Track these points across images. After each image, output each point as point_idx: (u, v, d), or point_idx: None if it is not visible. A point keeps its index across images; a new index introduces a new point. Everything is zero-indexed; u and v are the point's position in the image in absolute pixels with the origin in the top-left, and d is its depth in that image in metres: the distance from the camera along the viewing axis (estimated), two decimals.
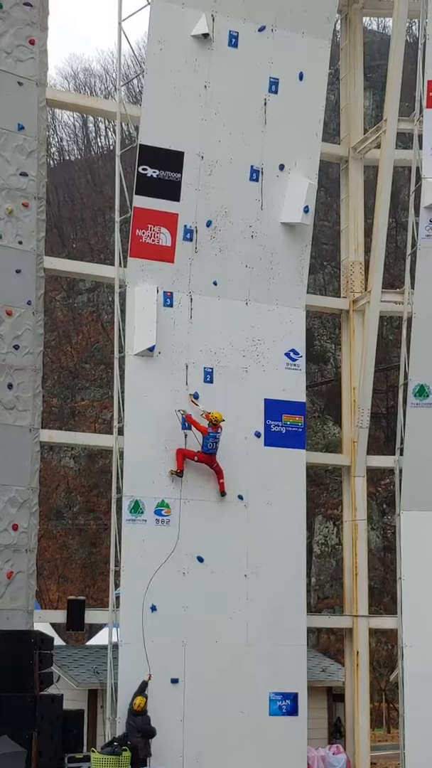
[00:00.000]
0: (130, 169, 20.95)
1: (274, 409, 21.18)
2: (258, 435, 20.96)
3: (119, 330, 20.47)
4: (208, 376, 20.62)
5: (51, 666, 17.73)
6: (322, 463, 27.75)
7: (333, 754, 22.33)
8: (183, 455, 19.88)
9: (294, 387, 21.51)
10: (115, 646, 19.44)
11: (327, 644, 39.55)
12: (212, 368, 20.73)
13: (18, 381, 19.62)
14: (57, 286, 51.85)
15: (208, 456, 19.94)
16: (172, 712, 19.11)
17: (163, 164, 20.35)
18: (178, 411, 19.96)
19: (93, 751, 17.95)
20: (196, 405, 20.06)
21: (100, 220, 55.41)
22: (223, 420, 19.85)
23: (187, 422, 19.91)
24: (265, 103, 21.14)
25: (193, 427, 19.91)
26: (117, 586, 19.74)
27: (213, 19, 20.49)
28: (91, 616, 21.21)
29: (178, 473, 19.88)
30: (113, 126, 25.30)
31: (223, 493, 20.25)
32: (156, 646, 19.22)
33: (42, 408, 20.35)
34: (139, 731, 18.05)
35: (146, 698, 18.32)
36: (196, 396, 20.18)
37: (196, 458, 19.94)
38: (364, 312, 23.46)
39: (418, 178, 22.19)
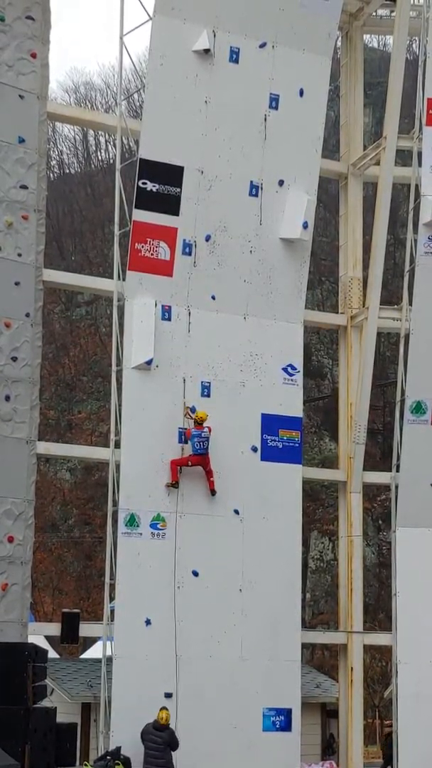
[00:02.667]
0: (129, 182, 21.02)
1: (270, 423, 21.19)
2: (254, 450, 20.97)
3: (117, 343, 20.49)
4: (206, 390, 20.64)
5: (45, 679, 17.67)
6: (318, 478, 27.76)
7: None
8: (177, 465, 19.89)
9: (291, 402, 21.53)
10: (109, 660, 19.41)
11: (321, 660, 39.47)
12: (210, 382, 20.75)
13: (15, 393, 19.62)
14: (55, 299, 51.92)
15: (200, 457, 19.90)
16: None
17: (162, 178, 20.41)
18: (187, 408, 19.99)
19: (86, 765, 17.93)
20: (191, 418, 20.05)
21: (99, 233, 55.53)
22: (208, 416, 19.84)
23: (185, 435, 19.91)
24: (266, 119, 21.22)
25: (171, 422, 19.91)
26: (112, 599, 19.72)
27: (214, 35, 20.58)
28: (86, 629, 21.18)
29: (174, 484, 19.88)
30: (113, 140, 25.40)
31: (213, 492, 20.21)
32: (150, 660, 19.19)
33: (39, 420, 20.34)
34: (169, 745, 17.98)
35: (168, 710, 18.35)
36: (193, 410, 20.18)
37: (189, 462, 19.93)
38: (362, 328, 23.49)
39: (417, 195, 22.25)
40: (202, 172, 20.72)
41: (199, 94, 20.60)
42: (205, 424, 19.87)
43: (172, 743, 18.05)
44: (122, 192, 20.87)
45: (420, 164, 22.29)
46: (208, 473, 20.14)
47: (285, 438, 21.34)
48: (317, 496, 43.81)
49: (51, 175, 58.18)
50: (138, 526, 19.65)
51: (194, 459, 19.93)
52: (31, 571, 19.71)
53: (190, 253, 20.71)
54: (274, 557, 20.65)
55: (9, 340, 19.64)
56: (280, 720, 20.16)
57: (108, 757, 17.87)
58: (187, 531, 19.87)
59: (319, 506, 44.52)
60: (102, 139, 61.71)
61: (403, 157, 24.24)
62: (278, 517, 20.88)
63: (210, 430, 19.90)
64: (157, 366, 20.21)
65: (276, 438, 21.23)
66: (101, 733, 19.53)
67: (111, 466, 20.28)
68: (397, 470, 22.15)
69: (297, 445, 21.48)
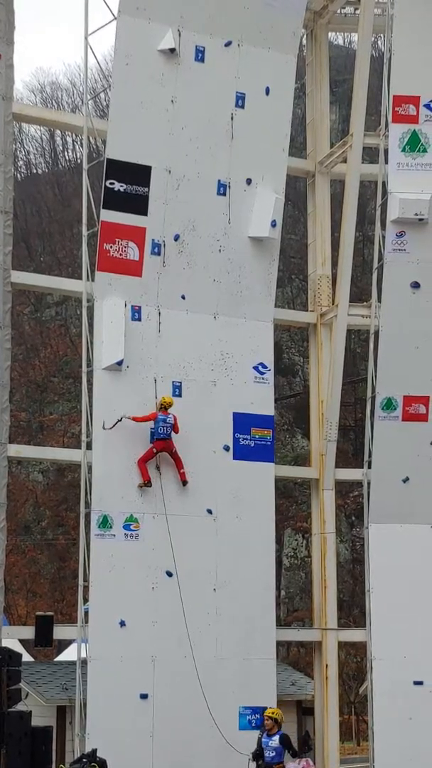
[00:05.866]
0: (97, 182, 20.96)
1: (242, 422, 21.21)
2: (227, 449, 20.97)
3: (87, 344, 20.44)
4: (177, 390, 20.62)
5: (19, 682, 17.58)
6: (290, 476, 27.83)
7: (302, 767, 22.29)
8: (144, 462, 19.85)
9: (262, 400, 21.55)
10: (84, 662, 19.35)
11: (297, 657, 39.53)
12: (181, 382, 20.73)
13: None
14: (25, 300, 51.67)
15: (163, 442, 19.87)
16: (141, 727, 19.05)
17: (130, 178, 20.37)
18: (124, 418, 19.75)
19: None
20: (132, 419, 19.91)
21: (68, 233, 55.32)
22: (171, 405, 19.88)
23: (136, 421, 19.74)
24: (232, 118, 21.22)
25: (144, 423, 19.81)
26: (86, 601, 19.66)
27: (179, 34, 20.56)
28: (60, 631, 21.13)
29: (146, 484, 19.85)
30: (80, 140, 25.30)
31: (184, 483, 20.17)
32: (125, 662, 19.15)
33: (10, 423, 20.26)
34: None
35: None
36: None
37: (155, 450, 19.88)
38: (332, 325, 23.55)
39: (384, 193, 22.30)
40: (170, 172, 20.69)
41: (166, 93, 20.57)
42: (180, 425, 19.93)
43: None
44: (90, 192, 20.80)
45: (387, 161, 22.34)
46: (177, 461, 20.09)
47: (257, 436, 21.36)
48: (290, 493, 43.88)
49: (18, 175, 57.93)
50: (111, 527, 19.62)
51: (158, 445, 19.89)
52: (4, 574, 19.64)
53: (159, 253, 20.68)
54: (248, 556, 20.66)
55: None
56: (256, 718, 20.11)
57: (84, 760, 17.76)
58: (160, 531, 19.84)
59: (292, 503, 44.58)
60: (69, 139, 61.51)
61: (370, 155, 24.30)
62: (251, 515, 20.89)
63: (176, 419, 19.88)
64: (127, 366, 20.17)
65: (248, 436, 21.25)
66: (77, 735, 19.49)
67: (83, 468, 20.24)
68: (369, 467, 22.22)
69: (269, 443, 21.51)
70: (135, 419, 19.77)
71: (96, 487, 19.69)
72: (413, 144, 22.08)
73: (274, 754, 16.60)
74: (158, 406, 19.95)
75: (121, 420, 19.70)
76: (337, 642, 22.92)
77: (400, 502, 21.79)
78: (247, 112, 21.31)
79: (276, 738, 16.63)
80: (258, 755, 17.65)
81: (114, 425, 19.68)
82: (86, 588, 19.53)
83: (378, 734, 21.09)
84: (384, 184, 22.34)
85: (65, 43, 78.34)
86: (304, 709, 26.37)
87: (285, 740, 16.72)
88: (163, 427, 19.82)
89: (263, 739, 16.75)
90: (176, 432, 19.97)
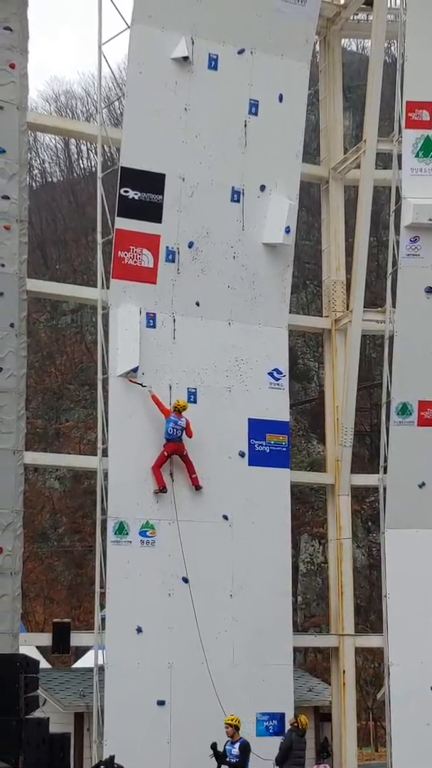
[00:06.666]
0: (112, 190, 21.04)
1: (257, 428, 21.22)
2: (242, 455, 21.00)
3: (102, 351, 20.50)
4: (192, 397, 20.65)
5: (37, 689, 17.61)
6: (306, 481, 27.79)
7: None
8: (158, 468, 19.89)
9: (277, 406, 21.57)
10: (101, 669, 19.39)
11: (314, 663, 39.47)
12: (196, 389, 20.77)
13: (1, 404, 19.58)
14: (41, 307, 51.85)
15: (174, 444, 19.91)
16: (159, 734, 19.06)
17: (144, 186, 20.44)
18: (146, 387, 19.91)
19: None
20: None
21: (82, 241, 55.46)
22: (185, 408, 19.94)
23: (153, 400, 19.86)
24: (245, 125, 21.28)
25: (156, 409, 19.91)
26: (102, 607, 19.70)
27: (192, 42, 20.63)
28: (77, 638, 21.15)
29: (162, 490, 19.89)
30: (95, 148, 25.38)
31: (197, 487, 20.20)
32: (142, 668, 19.18)
33: (26, 430, 20.33)
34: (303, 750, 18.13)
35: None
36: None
37: (166, 453, 19.92)
38: (346, 331, 23.55)
39: (398, 198, 22.33)
40: (184, 179, 20.75)
41: (179, 101, 20.64)
42: (195, 432, 19.99)
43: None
44: (104, 200, 20.89)
45: (400, 167, 22.36)
46: (188, 465, 20.12)
47: (272, 442, 21.37)
48: (306, 499, 43.81)
49: (33, 184, 58.16)
50: (127, 534, 19.66)
51: (169, 447, 19.92)
52: (21, 581, 19.68)
53: (173, 260, 20.74)
54: (264, 562, 20.66)
55: None
56: (273, 725, 20.16)
57: (102, 767, 17.82)
58: (176, 538, 19.86)
59: (308, 509, 44.52)
60: (84, 148, 61.70)
61: (384, 160, 24.36)
62: (267, 521, 20.90)
63: (188, 423, 19.92)
64: (143, 373, 20.21)
65: (263, 442, 21.27)
66: (95, 742, 19.51)
67: (99, 475, 20.27)
68: (385, 472, 22.21)
69: (284, 449, 21.52)
70: (154, 397, 19.82)
71: (112, 494, 19.74)
72: (427, 149, 22.10)
73: (236, 760, 16.74)
74: (173, 408, 19.99)
75: (143, 386, 19.78)
76: (354, 648, 22.90)
77: (417, 508, 21.77)
78: (261, 119, 21.36)
79: (237, 745, 16.70)
80: (281, 761, 17.73)
81: (136, 382, 19.78)
82: (103, 594, 19.57)
83: (396, 740, 21.06)
84: (398, 190, 22.36)
85: (79, 52, 78.60)
86: (322, 715, 26.36)
87: (243, 748, 16.76)
88: (173, 428, 19.86)
89: (227, 746, 16.83)
90: (189, 436, 20.01)
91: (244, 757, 16.85)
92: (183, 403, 20.07)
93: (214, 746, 16.69)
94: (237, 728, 16.90)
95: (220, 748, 16.98)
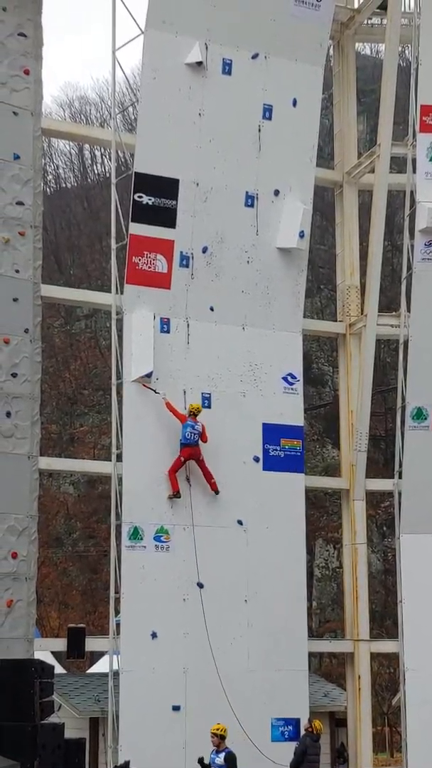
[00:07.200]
0: (126, 196, 21.07)
1: (272, 433, 21.20)
2: (256, 460, 20.98)
3: (117, 356, 20.52)
4: (206, 402, 20.65)
5: (52, 695, 17.63)
6: (321, 486, 27.77)
7: None
8: (173, 472, 19.88)
9: (292, 411, 21.55)
10: (116, 674, 19.39)
11: (329, 668, 39.39)
12: (210, 393, 20.77)
13: (16, 409, 19.62)
14: (55, 313, 51.95)
15: (190, 449, 19.87)
16: (174, 739, 19.04)
17: (158, 191, 20.46)
18: (160, 393, 19.90)
19: None
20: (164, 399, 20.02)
21: (97, 246, 55.59)
22: (200, 411, 19.94)
23: (167, 407, 19.85)
24: (260, 130, 21.29)
25: (172, 415, 19.87)
26: (117, 613, 19.70)
27: (206, 47, 20.65)
28: (92, 643, 21.17)
29: (176, 495, 19.88)
30: (109, 154, 25.45)
31: (216, 492, 20.17)
32: (157, 673, 19.16)
33: (40, 435, 20.35)
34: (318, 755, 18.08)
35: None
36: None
37: (182, 459, 19.91)
38: (361, 335, 23.52)
39: (413, 202, 22.30)
40: (198, 184, 20.77)
41: (193, 106, 20.66)
42: (209, 436, 19.98)
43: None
44: (118, 206, 20.91)
45: (414, 171, 22.35)
46: (205, 471, 20.10)
47: (287, 447, 21.35)
48: (321, 503, 43.76)
49: (47, 189, 58.28)
50: (142, 539, 19.66)
51: (185, 452, 19.90)
52: (36, 586, 19.70)
53: (187, 265, 20.75)
54: (279, 567, 20.63)
55: (8, 356, 19.66)
56: (288, 730, 20.13)
57: None
58: (191, 543, 19.85)
59: (323, 514, 44.47)
60: (98, 153, 61.85)
61: (398, 164, 24.29)
62: (282, 526, 20.88)
63: (204, 427, 19.91)
64: (157, 378, 20.22)
65: (278, 447, 21.25)
66: (110, 747, 19.50)
67: (113, 480, 20.30)
68: (400, 477, 22.15)
69: (299, 453, 21.49)
70: (168, 405, 19.81)
71: (126, 499, 19.75)
72: None
73: None
74: (188, 412, 20.00)
75: (157, 393, 19.79)
76: (369, 653, 22.85)
77: None
78: (275, 123, 21.37)
79: (222, 755, 16.30)
80: (296, 765, 17.66)
81: (149, 387, 19.80)
82: (118, 600, 19.57)
83: (411, 745, 20.98)
84: (412, 194, 22.34)
85: (93, 58, 78.77)
86: (338, 721, 26.30)
87: (228, 759, 16.26)
88: (191, 433, 19.85)
89: (212, 756, 16.36)
90: (204, 441, 20.01)
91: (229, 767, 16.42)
92: (197, 405, 20.08)
93: (200, 761, 16.47)
94: (223, 738, 16.36)
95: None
